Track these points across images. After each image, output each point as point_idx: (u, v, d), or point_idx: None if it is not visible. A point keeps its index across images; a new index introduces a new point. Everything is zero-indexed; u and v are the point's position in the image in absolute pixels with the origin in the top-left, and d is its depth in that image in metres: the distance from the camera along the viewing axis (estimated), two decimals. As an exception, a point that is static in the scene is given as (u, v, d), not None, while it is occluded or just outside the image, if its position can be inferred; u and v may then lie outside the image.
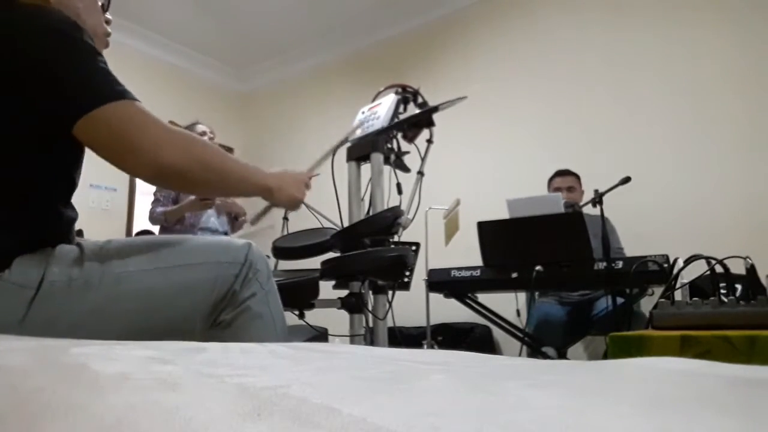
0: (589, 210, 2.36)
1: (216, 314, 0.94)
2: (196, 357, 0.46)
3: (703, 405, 0.33)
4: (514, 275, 2.20)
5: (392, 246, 1.66)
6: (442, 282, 2.40)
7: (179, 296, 0.90)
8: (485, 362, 0.57)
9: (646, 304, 2.35)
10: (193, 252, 0.94)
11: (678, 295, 1.15)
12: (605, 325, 2.29)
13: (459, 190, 2.78)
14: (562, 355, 2.57)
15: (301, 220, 1.95)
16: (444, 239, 2.30)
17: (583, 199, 2.80)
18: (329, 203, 1.85)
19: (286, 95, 5.11)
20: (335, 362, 0.50)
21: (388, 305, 1.71)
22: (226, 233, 3.03)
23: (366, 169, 1.81)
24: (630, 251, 2.68)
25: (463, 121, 3.48)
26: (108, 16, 1.07)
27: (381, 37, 4.50)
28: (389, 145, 1.80)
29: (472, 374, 0.46)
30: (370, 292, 1.70)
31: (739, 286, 1.17)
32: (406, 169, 1.89)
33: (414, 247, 1.94)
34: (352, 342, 1.68)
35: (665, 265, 1.86)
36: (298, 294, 1.55)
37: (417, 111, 1.87)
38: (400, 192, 1.78)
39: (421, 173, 1.89)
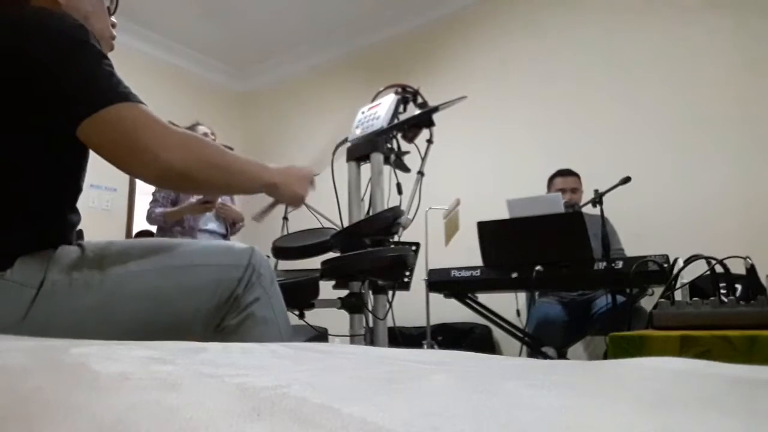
0: (589, 210, 2.36)
1: (219, 319, 0.94)
2: (196, 357, 0.46)
3: (703, 405, 0.33)
4: (514, 275, 2.20)
5: (392, 246, 1.66)
6: (442, 282, 2.40)
7: (181, 298, 0.90)
8: (485, 362, 0.57)
9: (647, 304, 2.35)
10: (196, 255, 0.93)
11: (678, 295, 1.15)
12: (605, 324, 2.29)
13: (459, 190, 2.78)
14: (562, 355, 2.57)
15: (301, 220, 1.95)
16: (444, 239, 2.30)
17: (583, 199, 2.80)
18: (329, 203, 1.85)
19: (286, 95, 5.11)
20: (335, 362, 0.50)
21: (388, 305, 1.71)
22: (224, 236, 3.03)
23: (366, 169, 1.81)
24: (630, 251, 2.68)
25: (463, 121, 3.48)
26: (113, 19, 1.07)
27: (381, 37, 4.50)
28: (389, 145, 1.80)
29: (472, 374, 0.46)
30: (370, 292, 1.70)
31: (739, 286, 1.17)
32: (406, 169, 1.89)
33: (414, 247, 1.94)
34: (352, 342, 1.68)
35: (665, 265, 1.86)
36: (298, 294, 1.54)
37: (417, 111, 1.87)
38: (400, 192, 1.78)
39: (421, 173, 1.89)
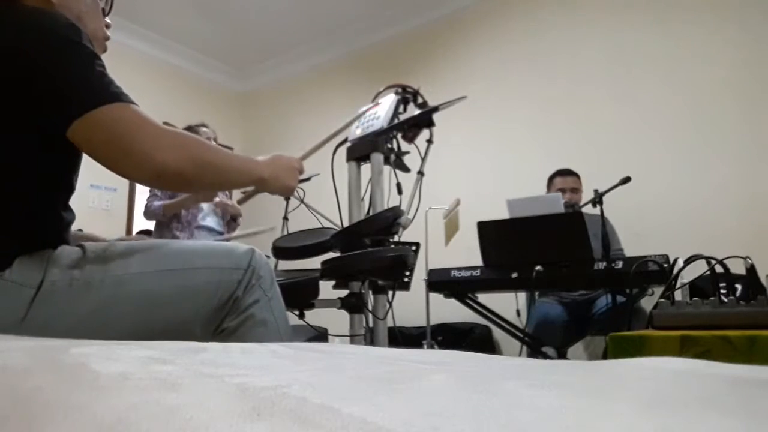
0: (589, 210, 2.36)
1: (219, 321, 0.94)
2: (196, 357, 0.46)
3: (703, 405, 0.33)
4: (514, 275, 2.20)
5: (392, 246, 1.66)
6: (442, 282, 2.40)
7: (180, 300, 0.90)
8: (485, 362, 0.57)
9: (647, 304, 2.35)
10: (196, 256, 0.93)
11: (678, 295, 1.15)
12: (605, 324, 2.29)
13: (459, 190, 2.78)
14: (562, 355, 2.57)
15: (301, 220, 1.95)
16: (444, 239, 2.30)
17: (583, 199, 2.80)
18: (329, 203, 1.85)
19: (286, 95, 5.12)
20: (335, 362, 0.50)
21: (388, 305, 1.71)
22: (222, 233, 3.02)
23: (366, 169, 1.81)
24: (630, 251, 2.68)
25: (463, 121, 3.48)
26: (107, 20, 1.07)
27: (381, 37, 4.50)
28: (389, 145, 1.80)
29: (472, 374, 0.46)
30: (370, 292, 1.70)
31: (739, 286, 1.17)
32: (406, 169, 1.89)
33: (414, 247, 1.94)
34: (352, 342, 1.68)
35: (665, 265, 1.86)
36: (298, 294, 1.54)
37: (417, 111, 1.87)
38: (400, 192, 1.78)
39: (421, 173, 1.89)
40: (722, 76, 3.05)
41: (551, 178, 2.96)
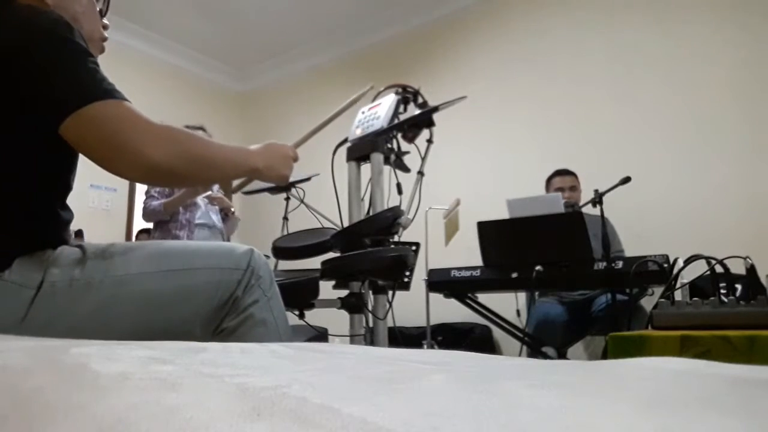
0: (589, 210, 2.36)
1: (219, 321, 0.94)
2: (196, 357, 0.46)
3: (703, 405, 0.33)
4: (514, 275, 2.20)
5: (392, 246, 1.66)
6: (442, 282, 2.40)
7: (180, 300, 0.90)
8: (485, 362, 0.57)
9: (647, 303, 2.35)
10: (196, 256, 0.93)
11: (678, 295, 1.15)
12: (605, 324, 2.29)
13: (459, 190, 2.78)
14: (562, 355, 2.57)
15: (301, 220, 1.95)
16: (444, 239, 2.30)
17: (582, 199, 2.80)
18: (329, 203, 1.85)
19: (286, 95, 5.11)
20: (335, 362, 0.50)
21: (388, 305, 1.71)
22: (221, 231, 3.02)
23: (366, 169, 1.81)
24: (630, 251, 2.68)
25: (463, 121, 3.48)
26: (105, 21, 1.06)
27: (381, 37, 4.50)
28: (389, 145, 1.80)
29: (472, 374, 0.46)
30: (370, 292, 1.70)
31: (739, 286, 1.17)
32: (406, 169, 1.89)
33: (414, 247, 1.94)
34: (352, 342, 1.68)
35: (665, 265, 1.86)
36: (298, 294, 1.55)
37: (417, 111, 1.87)
38: (400, 192, 1.78)
39: (421, 173, 1.89)
40: (722, 76, 3.05)
41: (549, 179, 2.96)
